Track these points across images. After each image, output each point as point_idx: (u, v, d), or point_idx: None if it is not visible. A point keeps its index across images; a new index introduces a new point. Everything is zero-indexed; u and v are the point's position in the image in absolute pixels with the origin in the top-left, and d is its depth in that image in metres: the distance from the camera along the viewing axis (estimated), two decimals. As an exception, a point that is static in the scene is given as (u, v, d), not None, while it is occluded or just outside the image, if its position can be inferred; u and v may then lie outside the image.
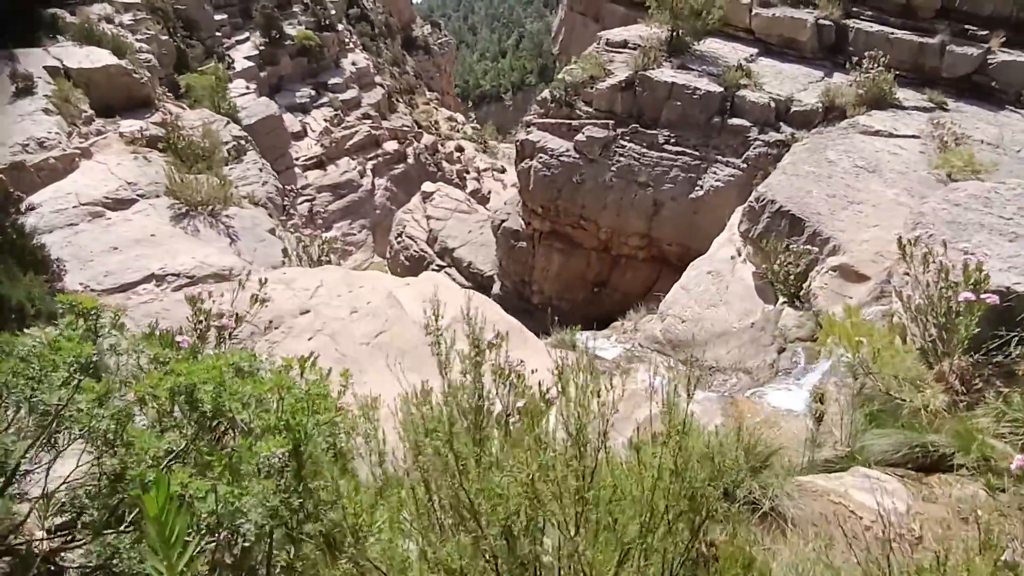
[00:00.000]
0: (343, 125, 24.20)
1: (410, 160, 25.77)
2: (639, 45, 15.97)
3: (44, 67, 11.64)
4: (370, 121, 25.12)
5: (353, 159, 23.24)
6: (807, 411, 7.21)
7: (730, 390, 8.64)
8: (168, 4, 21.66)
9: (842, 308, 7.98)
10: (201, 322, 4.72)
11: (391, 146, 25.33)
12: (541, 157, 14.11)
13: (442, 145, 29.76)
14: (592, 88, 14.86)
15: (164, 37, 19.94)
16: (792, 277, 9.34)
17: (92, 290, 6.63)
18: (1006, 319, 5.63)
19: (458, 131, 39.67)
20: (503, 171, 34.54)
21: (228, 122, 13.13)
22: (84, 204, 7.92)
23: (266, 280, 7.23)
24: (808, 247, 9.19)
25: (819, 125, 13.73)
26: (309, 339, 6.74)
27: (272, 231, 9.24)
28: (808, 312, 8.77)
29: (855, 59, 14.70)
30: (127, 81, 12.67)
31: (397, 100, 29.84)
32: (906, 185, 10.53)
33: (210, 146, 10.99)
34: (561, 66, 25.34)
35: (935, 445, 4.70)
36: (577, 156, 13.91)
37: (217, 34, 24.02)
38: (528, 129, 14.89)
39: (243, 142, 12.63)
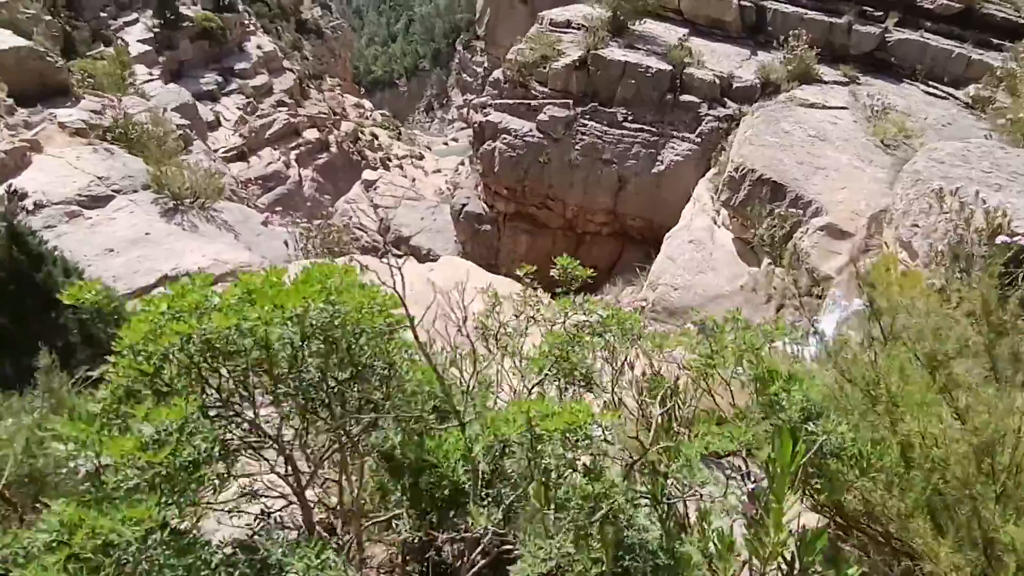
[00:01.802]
0: (257, 113, 22.59)
1: (333, 149, 24.55)
2: (583, 25, 16.26)
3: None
4: (286, 108, 23.63)
5: (275, 149, 21.79)
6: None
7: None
8: (47, -20, 19.10)
9: (844, 259, 8.73)
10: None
11: (312, 135, 24.00)
12: (504, 138, 14.05)
13: (361, 133, 28.60)
14: (545, 68, 14.95)
15: (48, 17, 17.67)
16: (777, 239, 10.03)
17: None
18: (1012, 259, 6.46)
19: (367, 118, 38.35)
20: (421, 158, 33.93)
21: (165, 110, 11.83)
22: (56, 203, 6.85)
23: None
24: (792, 210, 9.90)
25: (759, 99, 14.70)
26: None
27: (264, 223, 8.52)
28: (801, 269, 9.48)
29: (781, 38, 15.89)
30: (40, 66, 11.11)
31: (308, 86, 28.26)
32: (854, 151, 11.61)
33: (163, 135, 9.88)
34: (484, 48, 25.14)
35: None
36: (541, 136, 13.99)
37: (102, 15, 21.49)
38: (485, 111, 14.74)
39: (188, 131, 11.47)
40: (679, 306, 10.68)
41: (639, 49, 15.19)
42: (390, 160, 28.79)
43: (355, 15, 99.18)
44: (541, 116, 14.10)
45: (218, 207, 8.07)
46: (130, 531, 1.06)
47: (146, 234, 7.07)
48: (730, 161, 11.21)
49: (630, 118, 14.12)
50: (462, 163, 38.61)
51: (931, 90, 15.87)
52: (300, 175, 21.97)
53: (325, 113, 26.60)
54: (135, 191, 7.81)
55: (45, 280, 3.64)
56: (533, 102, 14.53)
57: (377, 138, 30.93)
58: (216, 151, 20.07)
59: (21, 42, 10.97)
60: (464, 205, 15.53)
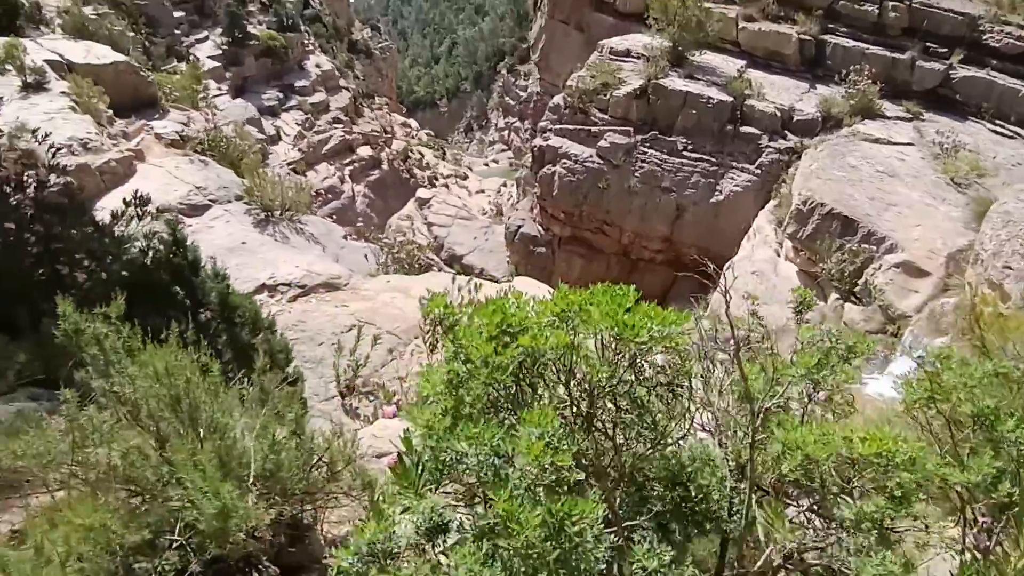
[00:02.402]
0: (315, 129, 23.32)
1: (384, 166, 25.18)
2: (642, 55, 16.49)
3: (45, 61, 10.57)
4: (342, 125, 24.35)
5: (331, 164, 22.43)
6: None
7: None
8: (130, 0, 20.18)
9: (919, 300, 8.61)
10: (429, 332, 4.50)
11: (365, 151, 24.65)
12: (565, 163, 14.24)
13: (411, 151, 29.26)
14: (605, 95, 15.17)
15: (131, 34, 18.59)
16: (847, 274, 9.93)
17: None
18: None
19: (413, 137, 39.13)
20: (466, 178, 34.38)
21: (243, 124, 12.35)
22: (162, 211, 7.24)
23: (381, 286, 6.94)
24: (864, 246, 9.81)
25: (820, 133, 14.66)
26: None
27: (345, 237, 8.79)
28: (873, 306, 9.36)
29: (842, 72, 15.87)
30: (134, 80, 11.74)
31: (361, 104, 29.08)
32: (925, 188, 11.49)
33: (247, 148, 10.33)
34: (538, 73, 25.59)
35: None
36: (601, 162, 14.15)
37: (176, 32, 22.54)
38: (545, 135, 14.98)
39: (266, 144, 11.93)
40: (741, 338, 10.58)
41: (699, 80, 15.32)
42: (436, 179, 29.29)
43: (400, 36, 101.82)
44: (601, 143, 14.28)
45: (304, 219, 8.38)
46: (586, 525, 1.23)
47: (242, 243, 7.37)
48: (796, 194, 11.18)
49: (690, 147, 14.21)
50: (504, 184, 39.06)
51: (999, 129, 15.61)
52: (353, 190, 22.57)
53: (377, 131, 27.31)
54: (229, 201, 8.16)
55: (200, 284, 3.87)
56: (593, 128, 14.73)
57: (424, 157, 31.53)
58: (277, 165, 20.74)
59: (120, 57, 11.62)
60: (519, 227, 15.73)
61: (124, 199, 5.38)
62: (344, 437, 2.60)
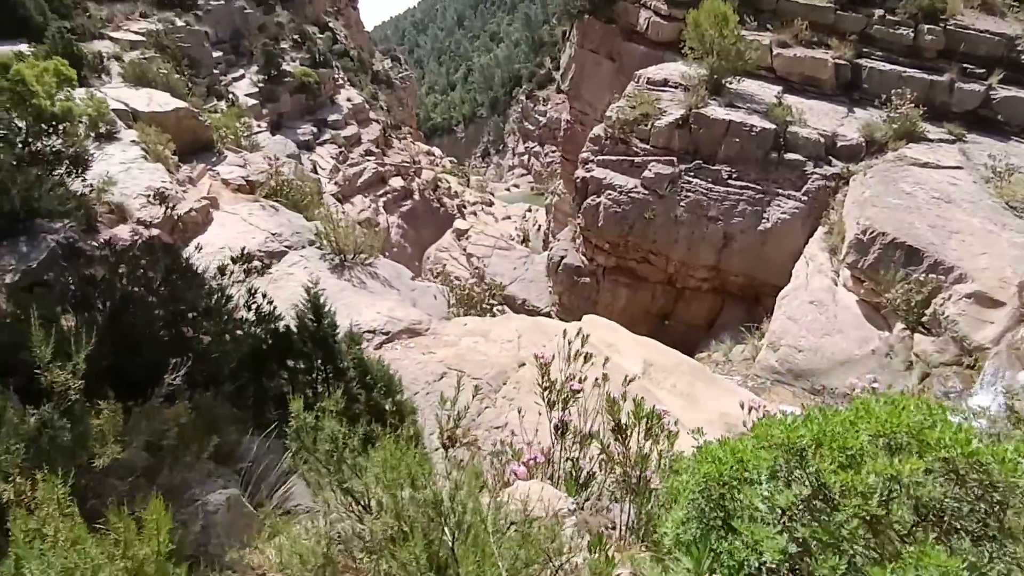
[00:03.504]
0: (348, 162, 23.70)
1: (416, 196, 25.49)
2: (680, 84, 16.62)
3: (112, 111, 10.87)
4: (374, 158, 24.73)
5: (366, 197, 22.77)
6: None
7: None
8: (173, 42, 20.78)
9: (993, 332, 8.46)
10: (548, 388, 4.48)
11: (397, 182, 25.00)
12: (609, 194, 14.31)
13: (440, 181, 29.61)
14: (646, 126, 15.27)
15: (176, 76, 19.08)
16: (914, 304, 9.80)
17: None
18: None
19: (437, 165, 39.59)
20: (491, 204, 34.69)
21: (298, 165, 12.60)
22: (250, 260, 7.36)
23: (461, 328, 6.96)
24: (931, 275, 9.69)
25: (864, 158, 14.61)
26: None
27: (413, 278, 8.85)
28: (945, 337, 9.21)
29: (883, 97, 15.84)
30: (193, 124, 12.04)
31: (391, 135, 29.54)
32: (984, 214, 11.36)
33: (310, 191, 10.51)
34: (567, 101, 25.85)
35: None
36: (646, 192, 14.19)
37: (215, 71, 23.15)
38: (588, 166, 15.08)
39: (318, 184, 12.15)
40: (805, 368, 10.48)
41: (739, 108, 15.39)
42: (464, 207, 29.58)
43: (416, 65, 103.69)
44: (646, 173, 14.33)
45: (375, 263, 8.47)
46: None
47: (304, 284, 7.44)
48: (854, 222, 11.11)
49: (734, 176, 14.21)
50: (529, 210, 39.30)
51: (1043, 148, 15.45)
52: (388, 222, 22.84)
53: (407, 162, 27.70)
54: (303, 247, 8.28)
55: (339, 348, 3.91)
56: (636, 159, 14.80)
57: (451, 186, 31.88)
58: (315, 199, 21.07)
59: (180, 103, 11.93)
60: (562, 257, 15.77)
61: (232, 256, 5.46)
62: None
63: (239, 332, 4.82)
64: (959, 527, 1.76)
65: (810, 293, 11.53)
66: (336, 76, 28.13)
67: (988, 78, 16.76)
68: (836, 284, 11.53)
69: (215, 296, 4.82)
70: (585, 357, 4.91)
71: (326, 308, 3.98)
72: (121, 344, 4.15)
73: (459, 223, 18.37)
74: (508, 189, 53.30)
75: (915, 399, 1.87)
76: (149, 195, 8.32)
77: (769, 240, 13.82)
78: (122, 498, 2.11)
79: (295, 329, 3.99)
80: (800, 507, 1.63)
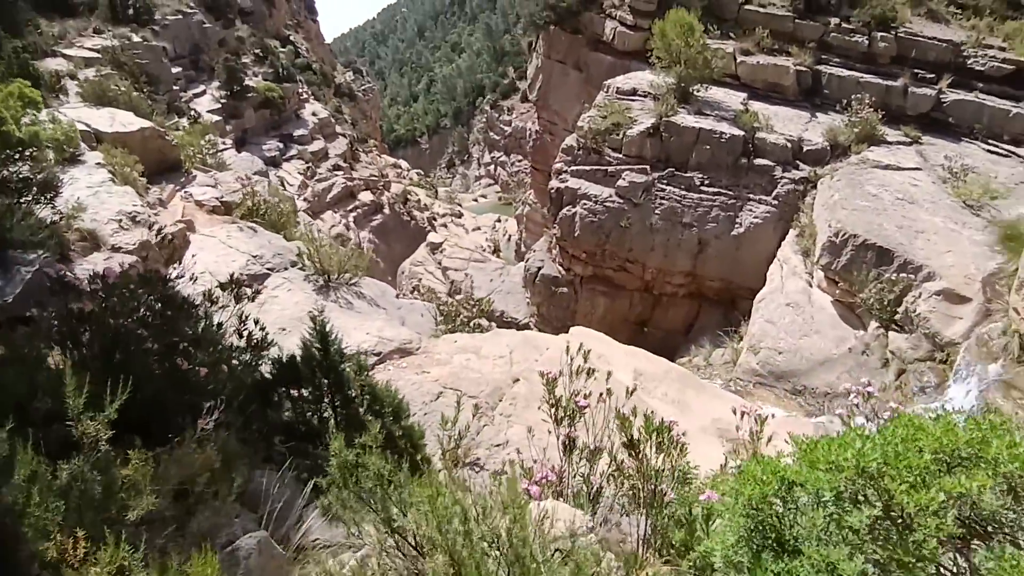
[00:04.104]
0: (316, 178, 23.37)
1: (386, 210, 25.27)
2: (648, 92, 16.91)
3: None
4: (342, 172, 24.43)
5: (336, 212, 22.47)
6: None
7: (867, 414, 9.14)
8: (130, 58, 20.22)
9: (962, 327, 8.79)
10: (555, 405, 4.47)
11: (366, 197, 24.74)
12: (585, 204, 14.42)
13: (409, 194, 29.41)
14: (618, 135, 15.47)
15: (135, 93, 18.56)
16: (887, 303, 10.12)
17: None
18: None
19: (404, 178, 39.37)
20: (460, 216, 34.62)
21: (267, 181, 12.35)
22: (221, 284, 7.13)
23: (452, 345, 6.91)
24: (901, 275, 10.03)
25: (830, 161, 15.07)
26: (539, 408, 6.49)
27: (398, 296, 8.75)
28: (918, 334, 9.53)
29: (844, 101, 16.40)
30: (160, 144, 11.71)
31: (358, 149, 29.25)
32: (945, 214, 11.82)
33: (287, 210, 10.30)
34: (535, 111, 25.97)
35: None
36: (621, 201, 14.35)
37: (174, 88, 22.59)
38: (561, 177, 15.18)
39: (293, 202, 11.93)
40: (786, 370, 10.71)
41: (708, 115, 15.72)
42: (435, 220, 29.44)
43: (378, 76, 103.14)
44: (620, 182, 14.50)
45: (359, 282, 8.33)
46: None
47: (309, 312, 7.31)
48: (826, 225, 11.43)
49: (707, 182, 14.49)
50: (498, 220, 39.32)
51: (993, 148, 16.16)
52: (359, 237, 22.57)
53: (376, 175, 27.46)
54: (286, 268, 8.10)
55: (347, 376, 3.83)
56: (609, 168, 14.97)
57: (420, 199, 31.72)
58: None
59: (145, 123, 11.59)
60: (539, 268, 15.81)
61: (221, 283, 5.31)
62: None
63: (234, 362, 4.69)
64: (1011, 539, 1.82)
65: (786, 295, 11.80)
66: (300, 90, 27.76)
67: (938, 83, 17.50)
68: (811, 286, 11.83)
69: (203, 324, 4.68)
70: (588, 372, 4.92)
71: (332, 335, 3.90)
72: (116, 383, 3.99)
73: (433, 236, 18.27)
74: (475, 200, 53.29)
75: (968, 418, 1.92)
76: (120, 220, 8.04)
77: (743, 244, 14.11)
78: (159, 549, 2.02)
79: (299, 357, 3.89)
80: (868, 528, 1.65)
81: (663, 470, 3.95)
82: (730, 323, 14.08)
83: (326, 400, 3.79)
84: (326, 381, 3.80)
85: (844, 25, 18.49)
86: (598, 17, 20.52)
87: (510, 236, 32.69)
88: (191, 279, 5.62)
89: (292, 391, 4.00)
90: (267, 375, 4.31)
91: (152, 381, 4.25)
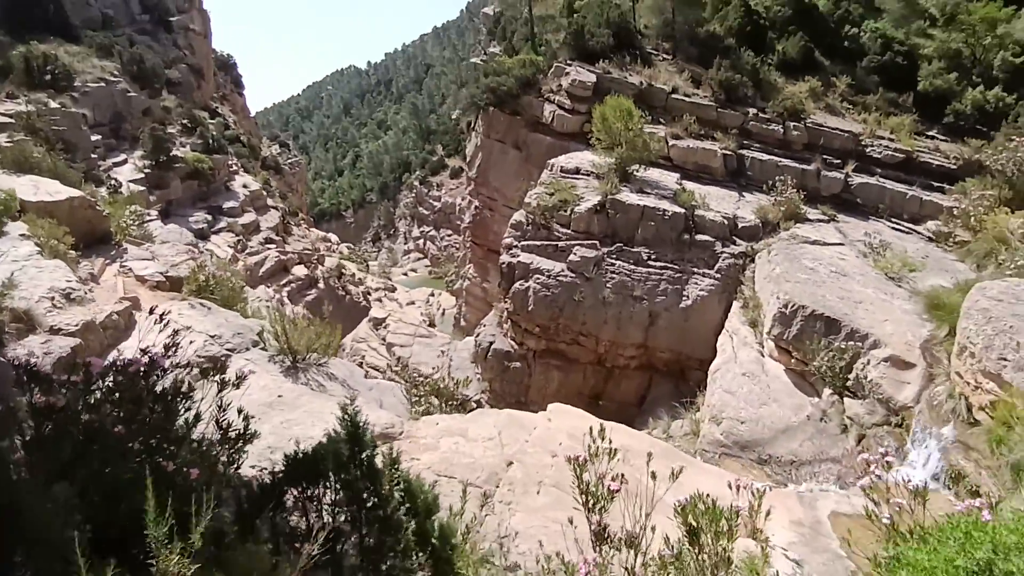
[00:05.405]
0: (248, 251, 22.34)
1: (320, 285, 24.37)
2: (591, 171, 17.63)
3: (-8, 203, 9.50)
4: (275, 245, 23.53)
5: (269, 287, 21.40)
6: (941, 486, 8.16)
7: (836, 481, 9.31)
8: (47, 124, 19.00)
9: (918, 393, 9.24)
10: (585, 492, 4.17)
11: (300, 271, 23.82)
12: (538, 278, 14.49)
13: (344, 268, 28.63)
14: (566, 211, 15.88)
15: (56, 160, 17.37)
16: (839, 371, 10.57)
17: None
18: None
19: (335, 252, 38.56)
20: (394, 290, 34.08)
21: (205, 253, 11.56)
22: (184, 367, 6.35)
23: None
24: (850, 343, 10.55)
25: (763, 237, 16.07)
26: (538, 493, 6.14)
27: (366, 375, 8.18)
28: (871, 399, 9.95)
29: (767, 182, 17.77)
30: (90, 215, 10.80)
31: (290, 222, 28.44)
32: (875, 285, 12.74)
33: (237, 285, 9.60)
34: (476, 189, 26.37)
35: None
36: (573, 275, 14.54)
37: (92, 156, 21.29)
38: (512, 251, 15.27)
39: (244, 277, 11.18)
40: (750, 439, 10.82)
41: (649, 193, 16.50)
42: (369, 294, 28.72)
43: (301, 151, 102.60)
44: (571, 256, 14.74)
45: (328, 362, 7.76)
46: None
47: (279, 396, 6.64)
48: (775, 297, 11.97)
49: (653, 257, 15.00)
50: (432, 294, 38.94)
51: (896, 225, 17.88)
52: (293, 312, 21.50)
53: (309, 249, 26.68)
54: (247, 348, 7.42)
55: (379, 473, 3.39)
56: (559, 243, 15.23)
57: (354, 273, 30.99)
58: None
59: (74, 192, 10.70)
60: (491, 343, 15.55)
61: (202, 369, 4.72)
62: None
63: (223, 459, 4.12)
64: None
65: (740, 365, 12.11)
66: (230, 162, 26.97)
67: (844, 167, 19.41)
68: (763, 355, 12.22)
69: (180, 418, 4.10)
70: (610, 453, 4.69)
71: (361, 427, 3.48)
72: (97, 491, 3.36)
73: (375, 312, 17.68)
74: (406, 274, 52.81)
75: None
76: (53, 298, 7.17)
77: (691, 316, 14.54)
78: None
79: (322, 453, 3.43)
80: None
81: (730, 558, 3.72)
82: (682, 394, 14.24)
83: (362, 499, 3.32)
84: (358, 475, 3.35)
85: (761, 115, 20.33)
86: (536, 101, 21.48)
87: (444, 310, 32.35)
88: (171, 366, 5.00)
89: (310, 490, 3.50)
90: (272, 473, 3.77)
91: (138, 488, 3.63)
